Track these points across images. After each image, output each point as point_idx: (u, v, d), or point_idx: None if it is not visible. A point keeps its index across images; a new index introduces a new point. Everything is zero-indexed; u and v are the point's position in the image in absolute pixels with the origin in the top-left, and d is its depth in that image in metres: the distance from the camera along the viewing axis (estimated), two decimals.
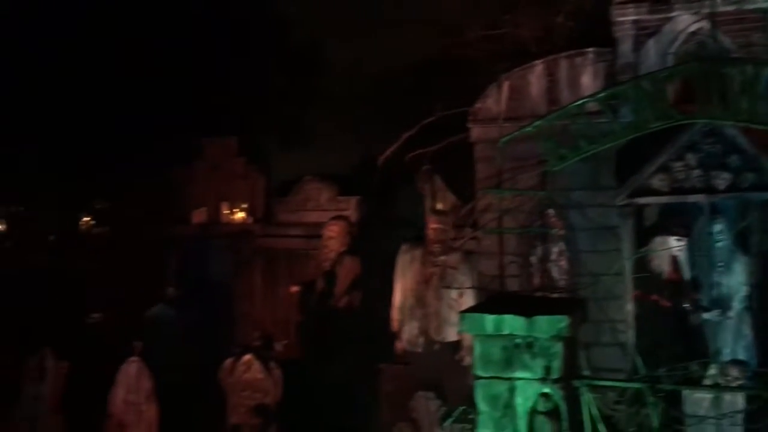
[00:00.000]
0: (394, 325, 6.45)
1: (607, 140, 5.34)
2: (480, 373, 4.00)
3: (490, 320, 3.91)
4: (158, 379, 6.69)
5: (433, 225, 6.26)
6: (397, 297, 6.42)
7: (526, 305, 4.01)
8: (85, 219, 12.37)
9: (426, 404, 5.21)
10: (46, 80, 10.28)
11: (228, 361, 6.52)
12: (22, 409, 6.83)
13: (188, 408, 7.15)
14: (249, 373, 6.37)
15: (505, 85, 6.40)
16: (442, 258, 6.22)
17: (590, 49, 6.20)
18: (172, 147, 9.74)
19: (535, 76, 6.35)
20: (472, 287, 6.17)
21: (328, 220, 7.69)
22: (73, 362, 6.98)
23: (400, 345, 6.44)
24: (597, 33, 6.28)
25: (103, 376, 6.72)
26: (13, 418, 6.86)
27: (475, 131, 6.61)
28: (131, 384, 6.55)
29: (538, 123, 5.53)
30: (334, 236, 7.38)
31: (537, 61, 6.39)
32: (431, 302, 6.20)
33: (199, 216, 9.50)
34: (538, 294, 6.00)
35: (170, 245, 9.26)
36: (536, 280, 6.22)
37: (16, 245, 10.31)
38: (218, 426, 6.30)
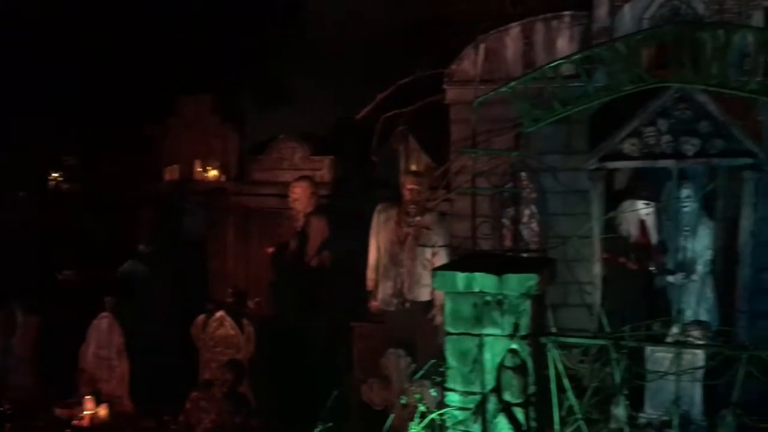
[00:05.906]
0: (369, 284, 6.49)
1: (581, 102, 5.37)
2: (450, 329, 4.10)
3: (461, 278, 3.99)
4: (130, 335, 6.68)
5: (408, 186, 6.27)
6: (372, 257, 6.45)
7: (497, 264, 4.09)
8: (54, 175, 12.21)
9: (397, 361, 5.31)
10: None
11: (200, 317, 6.53)
12: None
13: (160, 364, 7.19)
14: (221, 329, 6.39)
15: (482, 47, 6.39)
16: (417, 218, 6.26)
17: (567, 13, 6.21)
18: (146, 104, 9.60)
19: (511, 39, 6.35)
20: (445, 247, 6.24)
21: (292, 181, 7.64)
22: (45, 317, 6.97)
23: (374, 304, 6.50)
24: None
25: (75, 331, 6.71)
26: None
27: (451, 92, 6.62)
28: (102, 339, 6.56)
29: (512, 84, 5.54)
30: (297, 198, 7.34)
31: (513, 24, 6.38)
32: (405, 262, 6.25)
33: (172, 173, 9.42)
34: (509, 254, 6.10)
35: (142, 202, 9.19)
36: (507, 242, 6.32)
37: None
38: (190, 381, 6.32)
